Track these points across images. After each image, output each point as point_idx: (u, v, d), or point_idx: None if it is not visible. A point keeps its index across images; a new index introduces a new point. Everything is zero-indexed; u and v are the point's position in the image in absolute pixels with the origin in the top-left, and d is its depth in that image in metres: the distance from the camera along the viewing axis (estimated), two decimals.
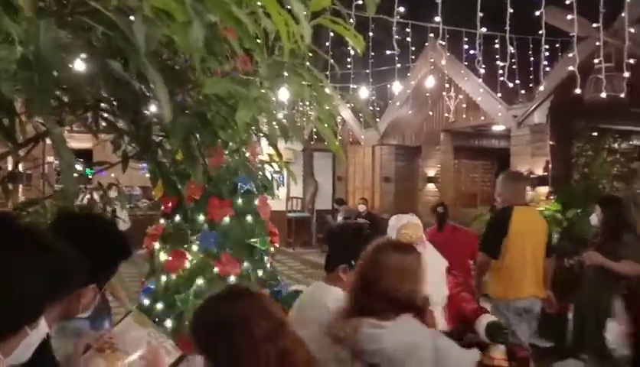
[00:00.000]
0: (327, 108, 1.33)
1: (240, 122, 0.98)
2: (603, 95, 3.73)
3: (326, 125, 1.36)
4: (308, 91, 1.26)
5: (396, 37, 4.46)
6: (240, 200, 3.20)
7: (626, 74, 3.81)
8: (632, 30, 4.08)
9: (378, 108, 10.10)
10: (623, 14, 4.11)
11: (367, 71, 7.12)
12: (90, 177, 2.43)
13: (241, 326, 1.26)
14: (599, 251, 3.54)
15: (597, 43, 4.11)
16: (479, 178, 10.81)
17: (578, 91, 4.26)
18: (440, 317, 2.83)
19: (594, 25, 4.29)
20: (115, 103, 1.47)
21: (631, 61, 4.15)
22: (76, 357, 1.38)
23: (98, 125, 1.72)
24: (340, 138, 11.60)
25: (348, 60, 6.53)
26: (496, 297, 3.52)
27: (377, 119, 10.41)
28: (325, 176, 13.31)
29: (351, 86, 7.92)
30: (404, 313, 1.56)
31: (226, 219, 3.15)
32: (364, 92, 8.30)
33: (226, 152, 3.07)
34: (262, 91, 1.23)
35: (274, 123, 1.33)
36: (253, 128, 1.63)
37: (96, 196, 2.21)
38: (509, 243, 3.45)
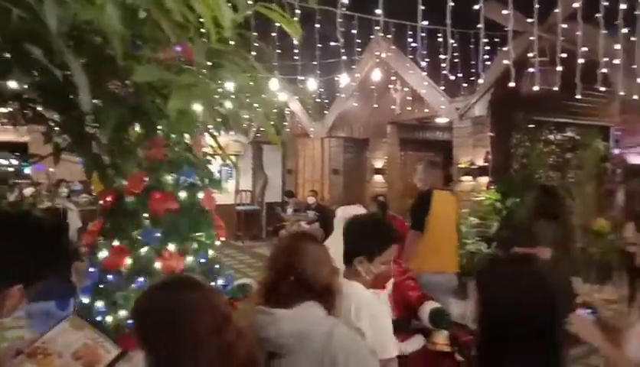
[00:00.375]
0: (265, 97, 1.31)
1: (172, 111, 0.95)
2: (536, 88, 3.91)
3: (269, 117, 1.34)
4: (247, 80, 1.24)
5: (341, 29, 4.48)
6: (183, 194, 3.12)
7: (559, 68, 4.00)
8: (565, 26, 4.28)
9: (327, 101, 10.13)
10: (557, 10, 4.31)
11: (315, 63, 7.11)
12: (29, 171, 2.31)
13: (184, 319, 1.21)
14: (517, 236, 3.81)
15: (531, 38, 4.28)
16: None
17: (516, 84, 4.45)
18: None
19: (529, 20, 4.47)
20: (43, 93, 1.39)
21: (564, 55, 4.35)
22: (5, 363, 1.31)
23: (25, 116, 1.63)
24: (289, 130, 11.56)
25: (296, 51, 6.50)
26: (419, 271, 3.70)
27: (326, 112, 10.45)
28: (275, 169, 13.25)
29: (299, 77, 7.89)
30: (311, 300, 1.53)
31: (170, 214, 3.07)
32: (311, 84, 8.31)
33: (169, 144, 2.99)
34: (202, 79, 1.20)
35: (214, 113, 1.29)
36: (195, 119, 1.59)
37: (28, 191, 2.10)
38: (431, 221, 3.87)
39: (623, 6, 4.10)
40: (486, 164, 6.75)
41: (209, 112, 1.29)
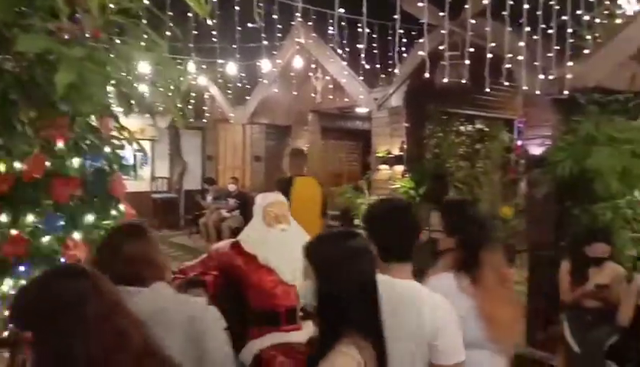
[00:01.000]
0: (173, 78, 1.25)
1: (60, 85, 0.87)
2: (446, 80, 4.09)
3: (175, 98, 1.28)
4: (151, 58, 1.17)
5: (259, 10, 4.40)
6: (89, 179, 2.93)
7: (467, 62, 4.21)
8: (474, 22, 4.50)
9: (248, 86, 9.97)
10: (467, 6, 4.52)
11: (234, 46, 6.94)
12: None
13: (72, 307, 1.18)
14: None
15: (442, 32, 4.47)
16: (345, 158, 11.28)
17: (430, 76, 4.62)
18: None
19: (441, 14, 4.65)
20: None
21: (473, 50, 4.58)
22: None
23: None
24: (209, 115, 11.26)
25: (214, 33, 6.30)
26: None
27: (247, 97, 10.28)
28: (194, 155, 12.88)
29: (218, 61, 7.68)
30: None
31: (75, 200, 2.88)
32: (231, 69, 8.12)
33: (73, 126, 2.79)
34: (97, 54, 1.11)
35: (121, 94, 1.22)
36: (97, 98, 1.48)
37: None
38: (292, 204, 4.02)
39: (526, 6, 4.38)
40: (401, 153, 6.99)
41: (117, 93, 1.22)
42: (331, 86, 8.49)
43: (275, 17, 5.73)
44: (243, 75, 9.06)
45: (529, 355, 4.66)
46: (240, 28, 6.06)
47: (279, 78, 9.31)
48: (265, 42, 6.10)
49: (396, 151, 7.15)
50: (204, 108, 10.89)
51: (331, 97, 8.53)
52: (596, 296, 3.91)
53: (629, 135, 4.49)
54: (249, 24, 5.27)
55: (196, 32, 5.63)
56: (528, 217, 5.54)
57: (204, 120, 11.65)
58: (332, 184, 9.65)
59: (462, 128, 8.21)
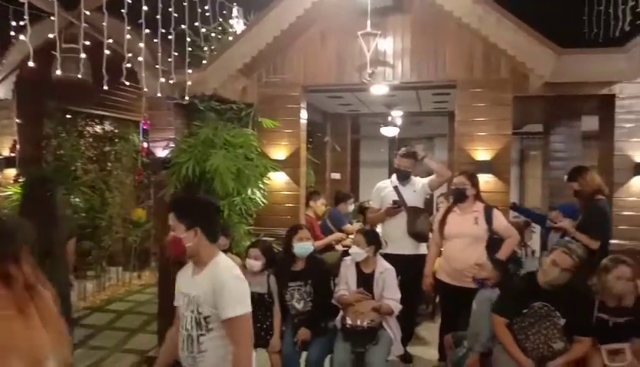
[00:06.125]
0: None
1: None
2: (59, 73, 3.68)
3: None
4: None
5: None
6: None
7: (83, 56, 3.89)
8: (89, 13, 4.20)
9: None
10: None
11: None
12: None
13: None
14: None
15: (53, 18, 4.01)
16: None
17: (46, 69, 4.05)
18: None
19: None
20: None
21: (92, 45, 4.27)
22: None
23: None
24: None
25: None
26: None
27: None
28: None
29: None
30: None
31: None
32: None
33: None
34: None
35: None
36: None
37: None
38: None
39: (145, 7, 4.35)
40: (13, 154, 5.98)
41: None
42: None
43: None
44: None
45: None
46: None
47: None
48: None
49: (6, 152, 6.07)
50: None
51: None
52: None
53: (242, 140, 5.05)
54: None
55: None
56: (156, 218, 5.59)
57: None
58: None
59: (89, 128, 7.66)
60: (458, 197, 4.20)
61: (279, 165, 5.48)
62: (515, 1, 5.10)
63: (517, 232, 4.22)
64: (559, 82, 4.83)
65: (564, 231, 4.51)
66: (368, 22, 4.97)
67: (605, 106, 5.21)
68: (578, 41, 6.58)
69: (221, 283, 2.14)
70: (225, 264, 2.25)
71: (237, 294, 2.15)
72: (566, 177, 4.77)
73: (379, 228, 4.73)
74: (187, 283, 2.31)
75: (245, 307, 2.16)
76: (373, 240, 4.00)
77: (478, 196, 4.21)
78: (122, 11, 4.19)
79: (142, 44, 4.27)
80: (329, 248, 6.15)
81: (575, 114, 7.52)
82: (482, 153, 5.20)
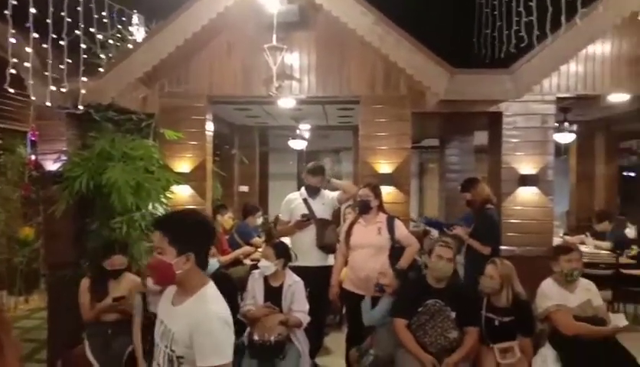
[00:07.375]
0: None
1: None
2: None
3: None
4: None
5: None
6: None
7: None
8: None
9: None
10: None
11: None
12: None
13: None
14: None
15: None
16: None
17: None
18: None
19: None
20: None
21: None
22: None
23: None
24: None
25: None
26: None
27: None
28: None
29: None
30: None
31: None
32: None
33: None
34: None
35: None
36: None
37: None
38: None
39: (34, 10, 4.05)
40: None
41: None
42: None
43: None
44: None
45: None
46: None
47: None
48: None
49: None
50: None
51: None
52: (115, 309, 3.99)
53: (142, 152, 4.83)
54: None
55: None
56: (46, 236, 5.17)
57: None
58: None
59: None
60: (363, 209, 4.33)
61: (183, 178, 5.29)
62: (413, 22, 5.41)
63: (417, 241, 4.43)
64: (452, 99, 5.16)
65: (459, 238, 4.81)
66: (274, 36, 5.00)
67: (494, 123, 5.65)
68: (468, 61, 7.12)
69: (204, 323, 1.85)
70: (213, 300, 1.96)
71: (220, 341, 1.86)
72: (459, 187, 5.12)
73: (287, 240, 4.74)
74: (166, 311, 2.04)
75: (225, 358, 1.86)
76: (282, 253, 3.99)
77: (381, 208, 4.37)
78: (6, 12, 3.87)
79: (29, 49, 3.96)
80: (237, 262, 6.06)
81: (468, 129, 8.11)
82: (384, 166, 5.41)
